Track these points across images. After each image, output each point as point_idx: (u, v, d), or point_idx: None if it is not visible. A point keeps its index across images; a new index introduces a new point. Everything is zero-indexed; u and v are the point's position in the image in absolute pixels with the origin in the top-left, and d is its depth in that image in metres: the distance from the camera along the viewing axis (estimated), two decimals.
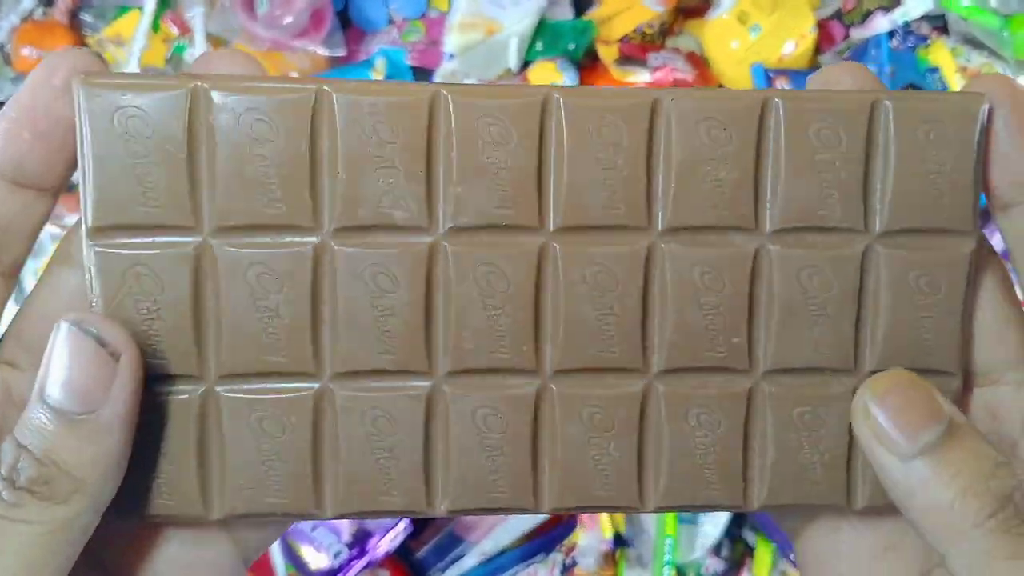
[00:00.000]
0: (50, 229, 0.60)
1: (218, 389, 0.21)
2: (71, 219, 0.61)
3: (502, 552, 0.62)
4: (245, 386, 0.21)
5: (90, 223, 0.20)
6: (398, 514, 0.22)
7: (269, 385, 0.21)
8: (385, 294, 0.20)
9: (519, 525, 0.62)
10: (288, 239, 0.20)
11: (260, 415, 0.21)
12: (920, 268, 0.22)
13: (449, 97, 0.20)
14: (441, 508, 0.22)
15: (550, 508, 0.22)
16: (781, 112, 0.21)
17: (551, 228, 0.21)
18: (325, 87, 0.20)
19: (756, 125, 0.21)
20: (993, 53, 0.68)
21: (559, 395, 0.21)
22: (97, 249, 0.20)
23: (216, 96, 0.20)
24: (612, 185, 0.21)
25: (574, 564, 0.63)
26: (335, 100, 0.20)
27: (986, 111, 0.21)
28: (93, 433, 0.18)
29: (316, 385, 0.21)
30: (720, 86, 0.65)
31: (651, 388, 0.22)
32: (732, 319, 0.22)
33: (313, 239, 0.20)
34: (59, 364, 0.18)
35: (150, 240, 0.20)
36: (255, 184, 0.20)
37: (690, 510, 0.23)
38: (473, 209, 0.21)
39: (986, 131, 0.21)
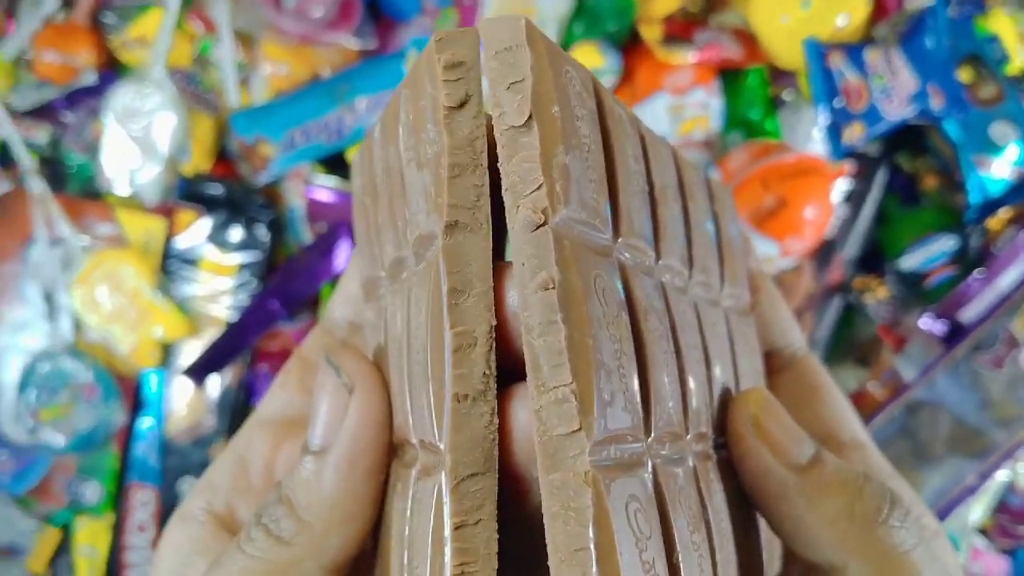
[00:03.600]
0: (79, 241, 0.58)
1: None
2: (105, 228, 0.59)
3: None
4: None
5: None
6: None
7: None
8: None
9: None
10: None
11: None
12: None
13: None
14: None
15: None
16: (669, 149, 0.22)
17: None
18: None
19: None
20: None
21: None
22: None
23: None
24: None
25: None
26: None
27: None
28: (324, 471, 0.17)
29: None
30: (770, 63, 0.62)
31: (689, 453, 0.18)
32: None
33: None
34: (316, 399, 0.18)
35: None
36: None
37: None
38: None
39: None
